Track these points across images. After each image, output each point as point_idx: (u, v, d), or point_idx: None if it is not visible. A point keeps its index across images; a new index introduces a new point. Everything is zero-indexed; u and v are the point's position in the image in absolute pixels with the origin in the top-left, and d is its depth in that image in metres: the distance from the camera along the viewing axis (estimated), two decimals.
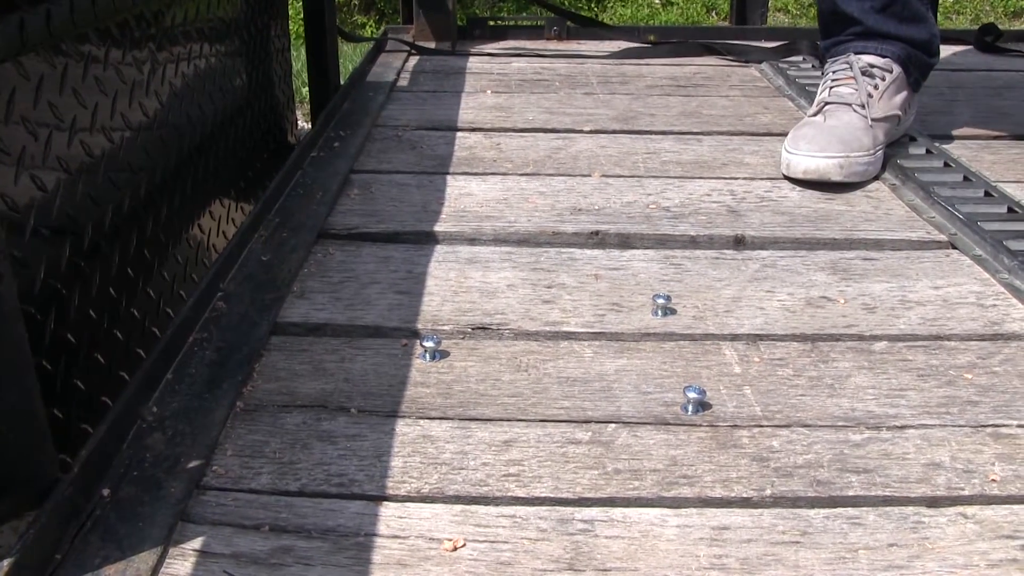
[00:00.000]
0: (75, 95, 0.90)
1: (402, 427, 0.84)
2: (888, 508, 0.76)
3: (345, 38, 2.26)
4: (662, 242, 1.22)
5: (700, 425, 0.86)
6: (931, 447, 0.83)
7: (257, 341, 0.96)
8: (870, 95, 1.44)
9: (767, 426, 0.86)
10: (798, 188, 1.39)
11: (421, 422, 0.85)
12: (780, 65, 2.10)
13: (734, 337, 1.00)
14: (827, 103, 1.46)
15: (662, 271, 1.14)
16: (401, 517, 0.74)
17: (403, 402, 0.88)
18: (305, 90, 2.34)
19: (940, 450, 0.83)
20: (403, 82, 1.98)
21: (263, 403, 0.88)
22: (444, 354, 0.95)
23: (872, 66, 1.48)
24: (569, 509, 0.75)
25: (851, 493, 0.77)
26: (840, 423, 0.86)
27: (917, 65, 1.52)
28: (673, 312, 1.04)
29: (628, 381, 0.92)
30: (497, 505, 0.75)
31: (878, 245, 1.22)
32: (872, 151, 1.41)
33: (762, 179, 1.43)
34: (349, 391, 0.89)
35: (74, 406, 0.91)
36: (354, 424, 0.85)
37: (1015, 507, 0.77)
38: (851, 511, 0.76)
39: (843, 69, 1.49)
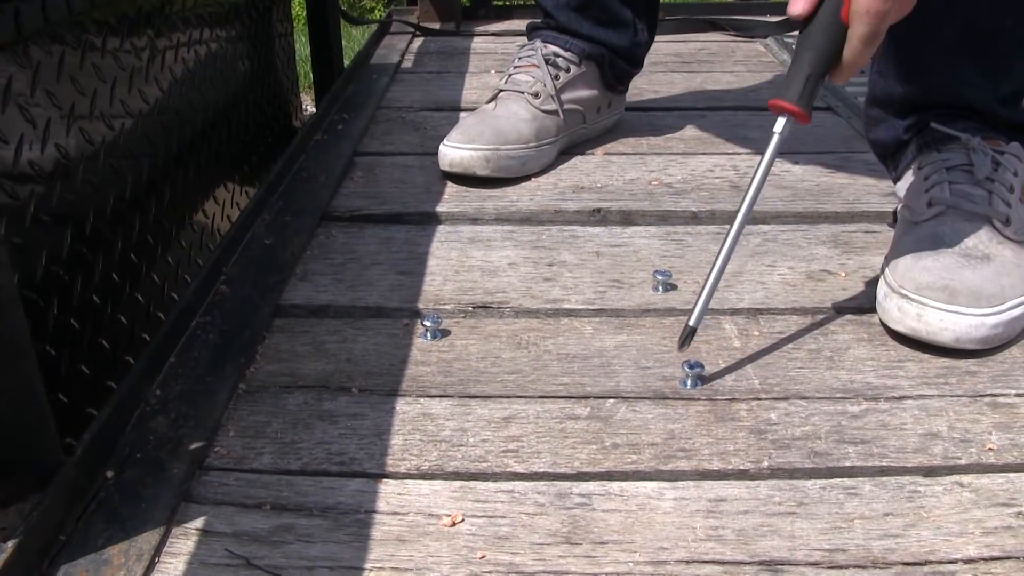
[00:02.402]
0: (73, 82, 0.91)
1: (402, 405, 0.85)
2: (884, 478, 0.77)
3: (349, 21, 2.26)
4: (664, 218, 1.22)
5: (698, 399, 0.86)
6: (929, 417, 0.84)
7: (260, 323, 0.97)
8: (545, 85, 1.39)
9: (765, 399, 0.86)
10: (801, 162, 1.39)
11: (421, 400, 0.86)
12: (785, 40, 2.09)
13: (734, 311, 1.00)
14: (501, 91, 1.41)
15: (663, 247, 1.15)
16: (400, 494, 0.74)
17: (403, 381, 0.88)
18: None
19: (938, 420, 0.83)
20: (407, 64, 1.98)
21: (265, 384, 0.89)
22: (445, 333, 0.96)
23: (557, 55, 1.42)
24: (567, 483, 0.76)
25: (848, 464, 0.78)
26: (838, 395, 0.87)
27: (613, 68, 1.47)
28: (674, 288, 1.05)
29: (628, 356, 0.92)
30: (496, 481, 0.76)
31: (880, 218, 1.22)
32: (534, 144, 1.35)
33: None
34: (350, 371, 0.90)
35: (79, 391, 0.92)
36: (355, 403, 0.85)
37: (1011, 475, 0.77)
38: (847, 481, 0.76)
39: (528, 56, 1.43)
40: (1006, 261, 0.96)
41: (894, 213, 1.17)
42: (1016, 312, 0.93)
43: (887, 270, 0.98)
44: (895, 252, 1.00)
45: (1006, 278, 0.94)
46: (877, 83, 1.18)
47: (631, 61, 1.49)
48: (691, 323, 0.88)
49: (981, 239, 0.97)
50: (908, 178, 1.11)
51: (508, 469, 0.77)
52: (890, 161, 1.19)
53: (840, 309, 1.01)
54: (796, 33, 0.87)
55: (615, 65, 1.46)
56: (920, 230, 1.00)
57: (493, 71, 1.91)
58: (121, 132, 1.01)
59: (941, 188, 1.03)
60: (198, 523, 0.72)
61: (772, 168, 1.35)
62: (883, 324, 0.96)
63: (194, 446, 0.79)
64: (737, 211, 0.89)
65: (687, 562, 0.68)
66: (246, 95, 1.47)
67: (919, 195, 1.05)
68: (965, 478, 0.77)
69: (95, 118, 0.95)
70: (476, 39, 2.20)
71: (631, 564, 0.68)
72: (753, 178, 0.89)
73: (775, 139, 0.88)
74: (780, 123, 0.88)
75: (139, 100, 1.07)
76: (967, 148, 1.05)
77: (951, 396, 0.87)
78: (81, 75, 0.93)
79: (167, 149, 1.15)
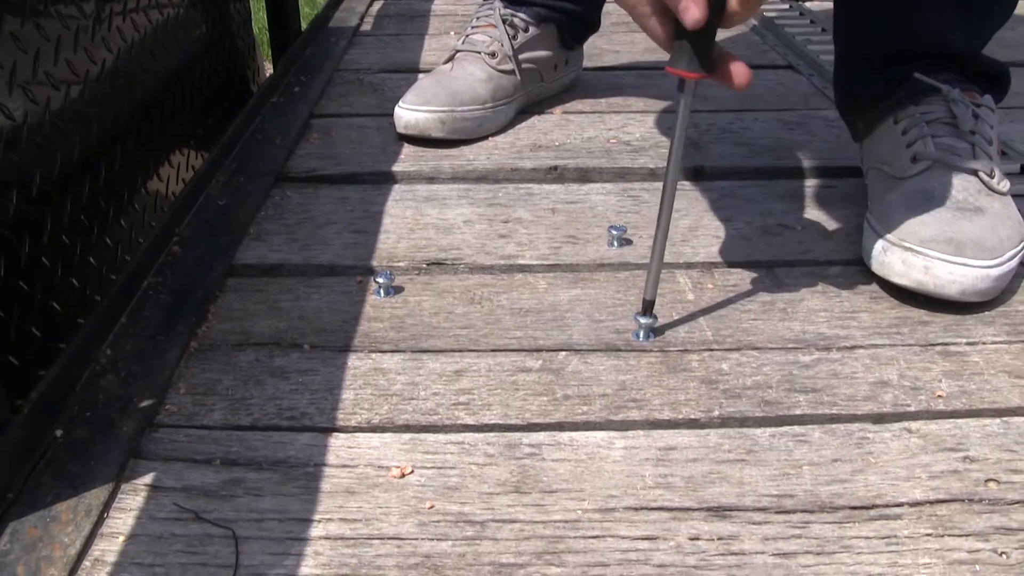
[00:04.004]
0: (15, 41, 0.90)
1: (354, 361, 0.85)
2: (834, 425, 0.77)
3: None
4: (621, 175, 1.22)
5: (651, 351, 0.86)
6: (880, 366, 0.84)
7: (212, 283, 0.97)
8: (503, 44, 1.38)
9: (717, 350, 0.86)
10: (760, 119, 1.39)
11: (373, 355, 0.86)
12: None
13: (689, 265, 1.01)
14: (458, 51, 1.40)
15: (620, 203, 1.14)
16: (351, 447, 0.74)
17: (356, 337, 0.88)
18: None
19: (888, 369, 0.84)
20: (366, 27, 1.97)
21: (217, 343, 0.88)
22: (398, 290, 0.96)
23: (515, 15, 1.41)
24: (517, 435, 0.76)
25: (798, 412, 0.78)
26: (790, 345, 0.87)
27: (571, 27, 1.46)
28: (629, 243, 1.05)
29: (581, 310, 0.92)
30: (446, 433, 0.76)
31: (838, 173, 1.23)
32: (490, 104, 1.34)
33: (725, 111, 1.43)
34: (303, 328, 0.90)
35: (31, 353, 0.91)
36: (306, 360, 0.85)
37: (959, 420, 0.78)
38: (797, 429, 0.77)
39: (486, 16, 1.43)
40: (998, 212, 0.95)
41: (862, 170, 1.17)
42: (1011, 264, 0.93)
43: (878, 226, 0.97)
44: (884, 208, 0.99)
45: (1002, 229, 0.93)
46: (852, 37, 1.17)
47: (587, 21, 1.48)
48: (647, 296, 0.87)
49: (971, 192, 0.97)
50: (882, 133, 1.10)
51: (459, 421, 0.77)
52: (860, 116, 1.17)
53: (795, 262, 1.01)
54: None
55: (572, 25, 1.45)
56: (907, 185, 1.00)
57: (452, 33, 1.90)
58: (67, 94, 1.00)
59: (924, 142, 1.02)
60: (147, 479, 0.71)
61: (732, 126, 1.36)
62: (881, 279, 0.96)
63: (144, 404, 0.79)
64: (664, 181, 0.85)
65: (635, 509, 0.68)
66: (200, 58, 1.45)
67: (899, 150, 1.04)
68: (914, 424, 0.77)
69: (39, 81, 0.94)
70: (436, 1, 2.19)
71: (579, 512, 0.68)
72: (672, 145, 0.86)
73: (682, 100, 0.84)
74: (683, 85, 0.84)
75: (86, 62, 1.05)
76: (947, 100, 1.04)
77: (903, 345, 0.87)
78: (23, 35, 0.92)
79: (117, 112, 1.13)
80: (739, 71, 0.78)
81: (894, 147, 1.05)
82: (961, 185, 0.97)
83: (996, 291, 0.93)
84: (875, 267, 0.96)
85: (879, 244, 0.95)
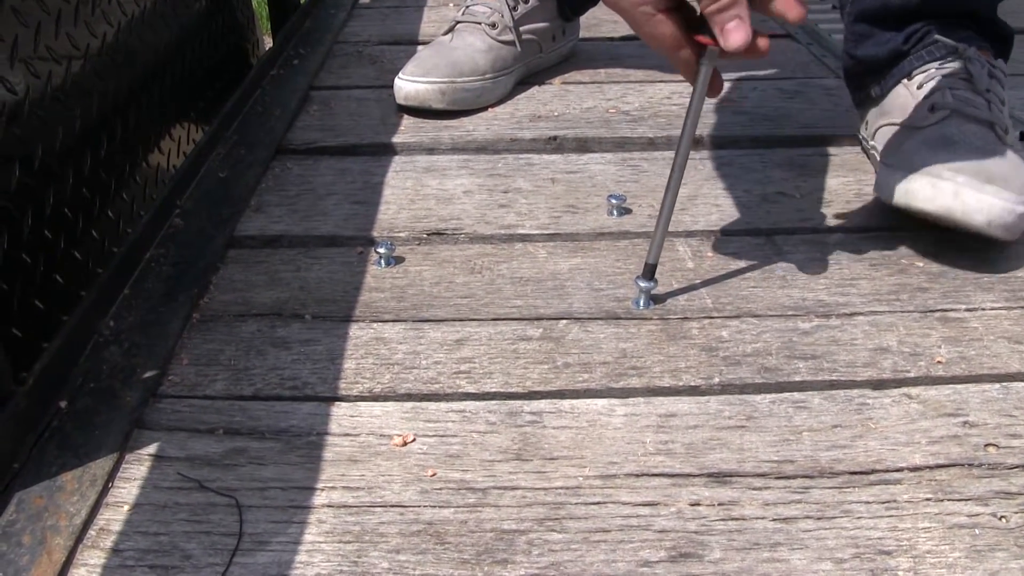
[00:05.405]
0: (16, 15, 0.90)
1: (355, 331, 0.85)
2: (834, 391, 0.78)
3: None
4: (620, 145, 1.22)
5: (651, 319, 0.87)
6: (879, 332, 0.84)
7: (214, 255, 0.97)
8: (503, 15, 1.37)
9: (717, 317, 0.87)
10: (759, 88, 1.39)
11: (374, 325, 0.86)
12: None
13: (688, 234, 1.01)
14: (458, 22, 1.39)
15: (619, 173, 1.14)
16: (353, 416, 0.75)
17: (357, 307, 0.89)
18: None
19: (888, 335, 0.84)
20: None
21: (219, 313, 0.88)
22: (399, 260, 0.96)
23: None
24: (518, 402, 0.76)
25: (798, 378, 0.79)
26: (790, 312, 0.87)
27: (570, 1, 1.46)
28: (628, 212, 1.05)
29: (581, 279, 0.93)
30: (448, 401, 0.76)
31: (837, 141, 1.23)
32: (490, 75, 1.34)
33: (724, 80, 1.42)
34: (304, 299, 0.90)
35: (35, 326, 0.91)
36: (308, 330, 0.85)
37: (958, 386, 0.78)
38: (797, 395, 0.77)
39: None
40: (1016, 162, 0.94)
41: (861, 137, 1.16)
42: None
43: (898, 164, 0.96)
44: (903, 153, 0.97)
45: (1019, 178, 0.92)
46: None
47: None
48: (649, 260, 0.88)
49: (988, 140, 0.95)
50: (896, 92, 1.09)
51: (460, 390, 0.78)
52: (875, 77, 1.15)
53: (794, 230, 1.01)
54: None
55: None
56: (927, 132, 0.98)
57: (452, 4, 1.89)
58: (68, 68, 1.00)
59: (943, 93, 1.01)
60: (151, 449, 0.72)
61: (731, 95, 1.36)
62: (905, 208, 0.94)
63: (147, 375, 0.79)
64: (678, 145, 0.86)
65: (636, 475, 0.69)
66: (199, 32, 1.45)
67: (917, 103, 1.03)
68: (913, 390, 0.78)
69: (40, 55, 0.94)
70: None
71: (580, 478, 0.68)
72: (688, 111, 0.87)
73: (702, 68, 0.85)
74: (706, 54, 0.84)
75: (87, 35, 1.05)
76: (964, 58, 1.04)
77: (902, 312, 0.87)
78: (24, 9, 0.92)
79: (118, 85, 1.13)
80: (762, 42, 0.79)
81: (910, 101, 1.04)
82: (980, 132, 0.96)
83: (1017, 231, 0.91)
84: (898, 197, 0.94)
85: (902, 176, 0.94)
